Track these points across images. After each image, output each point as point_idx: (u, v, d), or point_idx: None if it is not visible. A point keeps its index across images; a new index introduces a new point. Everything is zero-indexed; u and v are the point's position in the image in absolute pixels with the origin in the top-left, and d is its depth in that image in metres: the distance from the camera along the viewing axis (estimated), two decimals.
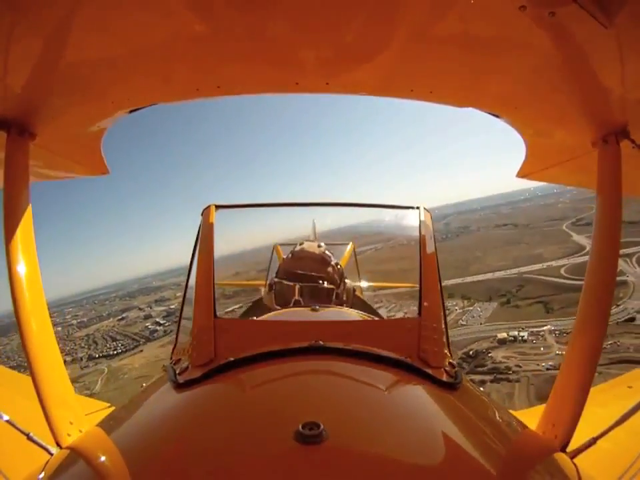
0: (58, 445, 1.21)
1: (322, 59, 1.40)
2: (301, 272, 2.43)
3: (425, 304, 1.50)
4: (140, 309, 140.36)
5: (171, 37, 1.21)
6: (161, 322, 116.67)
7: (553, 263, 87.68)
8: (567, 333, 57.25)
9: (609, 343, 52.42)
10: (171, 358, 1.67)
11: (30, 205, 1.45)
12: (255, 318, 2.14)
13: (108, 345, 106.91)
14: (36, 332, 1.32)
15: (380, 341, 1.34)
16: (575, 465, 1.11)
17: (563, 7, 0.99)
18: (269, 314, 2.09)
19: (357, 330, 1.49)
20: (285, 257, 2.75)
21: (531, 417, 1.48)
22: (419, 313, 1.49)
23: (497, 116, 1.68)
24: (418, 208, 2.02)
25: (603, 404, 2.27)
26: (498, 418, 1.24)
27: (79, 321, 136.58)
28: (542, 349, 55.32)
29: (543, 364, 50.81)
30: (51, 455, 1.15)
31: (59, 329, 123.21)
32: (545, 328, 60.70)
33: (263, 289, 3.56)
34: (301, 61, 1.41)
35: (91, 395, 78.11)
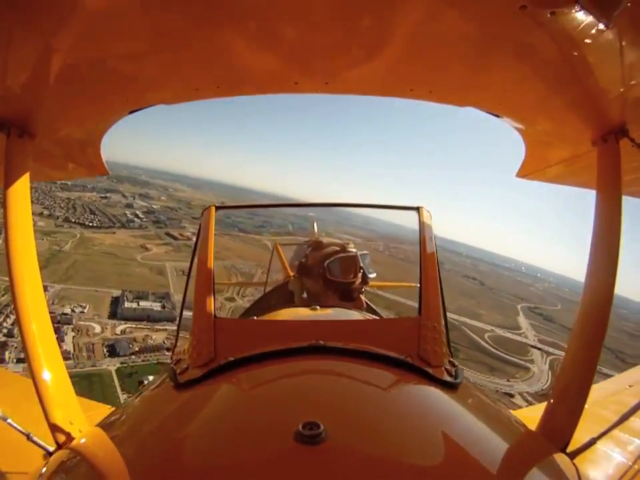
0: (58, 445, 1.21)
1: (321, 59, 1.41)
2: (345, 252, 2.48)
3: (425, 303, 1.50)
4: (124, 195, 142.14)
5: (169, 38, 1.21)
6: (140, 216, 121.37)
7: (485, 326, 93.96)
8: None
9: None
10: (171, 358, 1.69)
11: (30, 205, 1.46)
12: (255, 318, 2.13)
13: (85, 216, 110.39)
14: (36, 332, 1.32)
15: (380, 341, 1.33)
16: (574, 465, 1.11)
17: (564, 7, 0.99)
18: (269, 314, 2.09)
19: (357, 329, 1.50)
20: (306, 254, 2.70)
21: (531, 417, 1.48)
22: (419, 312, 1.49)
23: (497, 115, 1.69)
24: (418, 208, 1.99)
25: (603, 404, 2.29)
26: (498, 417, 1.24)
27: (62, 181, 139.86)
28: None
29: None
30: (51, 455, 1.16)
31: None
32: None
33: (289, 278, 3.43)
34: (300, 61, 1.43)
35: (59, 251, 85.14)
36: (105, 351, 55.70)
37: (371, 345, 1.28)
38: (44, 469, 1.06)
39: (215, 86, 1.53)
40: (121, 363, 53.79)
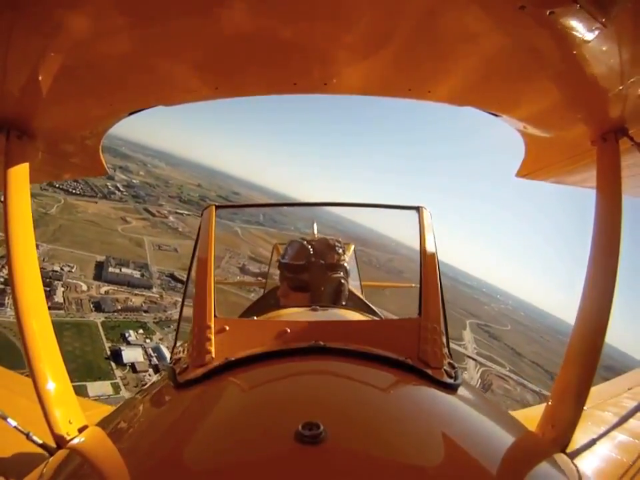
0: (57, 444, 1.21)
1: (320, 60, 1.41)
2: (313, 241, 2.43)
3: (425, 304, 1.49)
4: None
5: (168, 39, 1.22)
6: (121, 189, 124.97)
7: None
8: None
9: None
10: (171, 358, 1.69)
11: (30, 205, 1.47)
12: (255, 318, 2.13)
13: (69, 183, 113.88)
14: (36, 332, 1.32)
15: (380, 341, 1.33)
16: (575, 465, 1.12)
17: (563, 7, 0.99)
18: (269, 314, 2.09)
19: (356, 330, 1.50)
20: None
21: (531, 417, 1.48)
22: (419, 313, 1.48)
23: (496, 115, 1.69)
24: (418, 208, 1.97)
25: (602, 406, 2.31)
26: (498, 419, 1.23)
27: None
28: None
29: None
30: (51, 454, 1.15)
31: None
32: None
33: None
34: (299, 62, 1.43)
35: (45, 214, 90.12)
36: (91, 306, 63.22)
37: (371, 346, 1.27)
38: (44, 469, 1.05)
39: (214, 87, 1.54)
40: (106, 317, 61.49)
